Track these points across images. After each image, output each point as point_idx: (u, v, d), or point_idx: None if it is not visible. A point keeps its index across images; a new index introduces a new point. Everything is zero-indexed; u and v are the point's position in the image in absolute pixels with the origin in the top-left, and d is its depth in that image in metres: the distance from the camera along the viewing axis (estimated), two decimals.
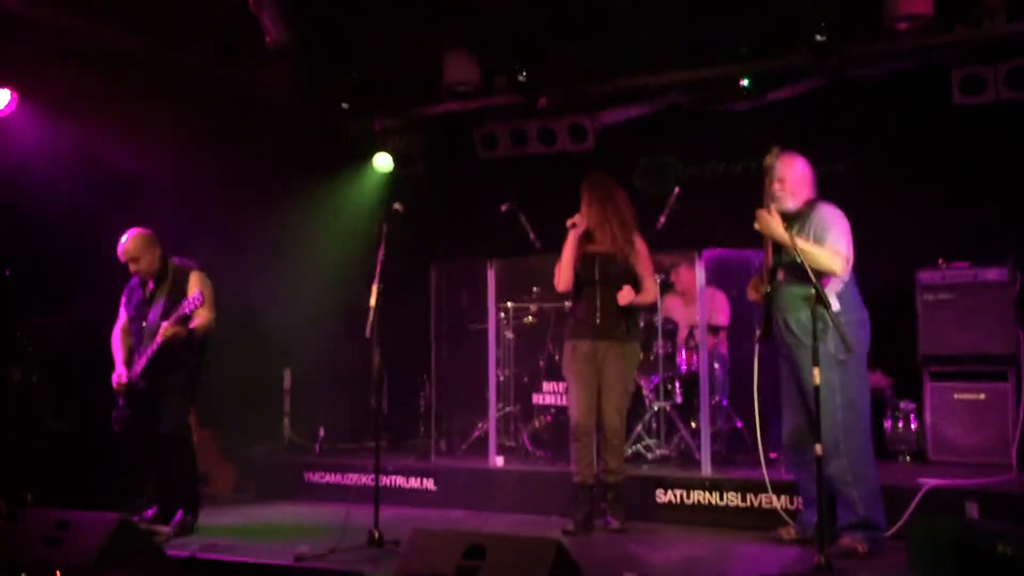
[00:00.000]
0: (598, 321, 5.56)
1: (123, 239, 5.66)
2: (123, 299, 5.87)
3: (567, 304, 6.17)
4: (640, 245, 5.67)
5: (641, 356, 5.97)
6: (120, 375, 5.64)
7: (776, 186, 4.94)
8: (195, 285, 5.66)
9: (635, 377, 5.87)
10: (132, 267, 5.69)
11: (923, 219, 7.30)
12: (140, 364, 5.57)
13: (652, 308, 6.73)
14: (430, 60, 7.46)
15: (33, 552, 4.37)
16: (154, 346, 5.47)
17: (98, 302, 6.46)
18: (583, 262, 5.61)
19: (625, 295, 5.49)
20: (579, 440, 5.52)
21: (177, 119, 7.02)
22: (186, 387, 5.70)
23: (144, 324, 5.66)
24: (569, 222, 5.60)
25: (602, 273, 5.56)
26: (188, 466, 5.75)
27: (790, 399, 5.04)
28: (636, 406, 6.80)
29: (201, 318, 5.52)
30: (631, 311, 5.66)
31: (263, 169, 7.83)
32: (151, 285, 5.73)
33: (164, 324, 5.42)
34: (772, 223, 4.80)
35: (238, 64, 7.13)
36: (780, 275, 4.95)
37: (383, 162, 8.80)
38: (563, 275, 5.63)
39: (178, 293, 5.63)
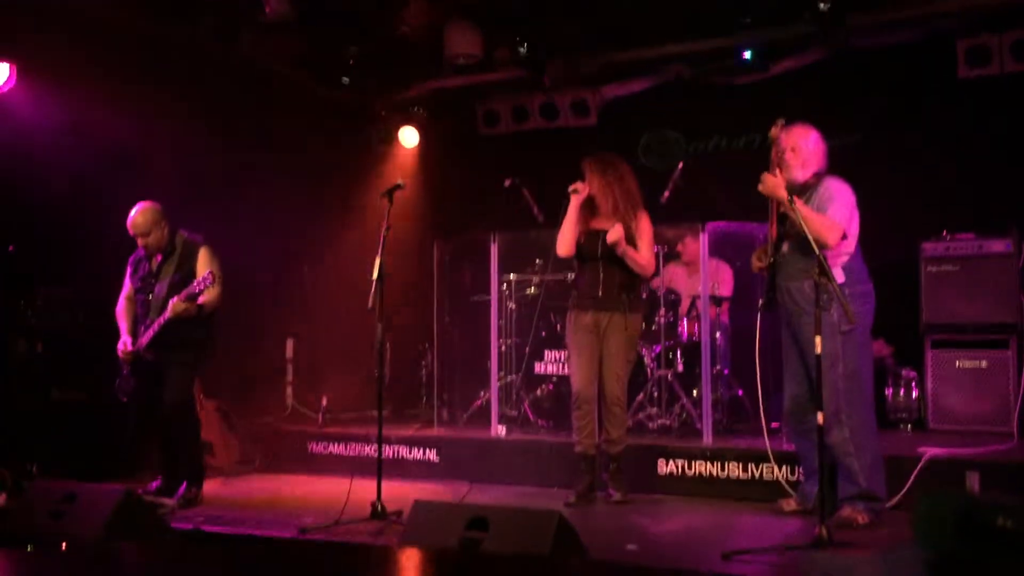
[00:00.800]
0: (600, 294, 5.57)
1: (132, 213, 5.63)
2: (128, 269, 5.85)
3: (570, 276, 6.17)
4: (643, 218, 5.64)
5: (643, 327, 5.98)
6: (125, 343, 5.65)
7: (788, 155, 4.91)
8: (204, 262, 5.65)
9: (637, 347, 5.85)
10: (141, 241, 5.67)
11: (928, 191, 7.29)
12: (147, 336, 5.58)
13: (653, 277, 6.74)
14: (432, 34, 7.41)
15: (39, 524, 4.40)
16: (161, 320, 5.48)
17: (101, 274, 6.47)
18: (587, 236, 5.60)
19: (616, 231, 5.42)
20: (579, 409, 5.55)
21: (178, 92, 6.99)
22: (191, 362, 5.71)
23: (150, 297, 5.65)
24: (571, 187, 5.59)
25: (605, 248, 5.52)
26: (192, 438, 5.78)
27: (791, 368, 5.06)
28: (638, 375, 6.83)
29: (209, 295, 5.52)
30: (633, 284, 5.64)
31: (264, 142, 7.80)
32: (158, 258, 5.72)
33: (173, 300, 5.43)
34: (775, 183, 4.77)
35: (238, 37, 7.09)
36: (785, 245, 4.95)
37: (409, 137, 8.78)
38: (565, 240, 5.62)
39: (186, 268, 5.63)
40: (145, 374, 5.66)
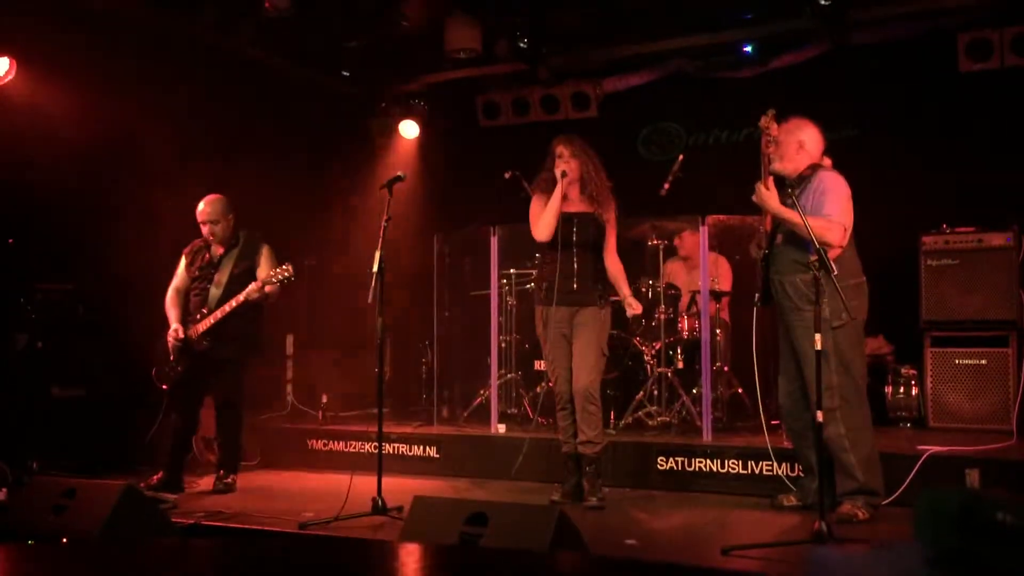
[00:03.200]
0: (575, 286, 5.33)
1: (201, 204, 5.83)
2: (184, 260, 6.01)
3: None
4: (614, 206, 5.45)
5: (611, 317, 5.59)
6: (177, 330, 5.78)
7: (771, 148, 4.91)
8: (267, 257, 5.89)
9: (608, 340, 5.55)
10: (206, 229, 5.85)
11: (928, 185, 7.28)
12: (204, 324, 5.73)
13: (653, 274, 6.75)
14: (432, 27, 7.40)
15: (40, 520, 4.40)
16: (227, 307, 5.65)
17: (101, 270, 6.47)
18: (560, 221, 5.33)
19: (636, 308, 5.40)
20: (564, 409, 5.39)
21: (178, 85, 6.99)
22: (245, 360, 5.95)
23: (210, 285, 5.81)
24: (558, 170, 5.33)
25: (580, 235, 5.34)
26: (236, 430, 6.03)
27: (786, 364, 5.05)
28: (637, 372, 6.82)
29: (273, 287, 5.68)
30: (604, 275, 5.45)
31: (263, 136, 7.79)
32: (219, 249, 5.88)
33: (252, 284, 5.62)
34: (769, 198, 4.78)
35: (238, 30, 7.08)
36: (778, 237, 4.94)
37: (409, 129, 8.78)
38: (548, 224, 5.31)
39: (248, 261, 5.85)
40: (195, 365, 5.79)
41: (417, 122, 8.90)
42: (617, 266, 5.51)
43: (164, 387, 5.89)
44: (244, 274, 5.78)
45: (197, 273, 5.92)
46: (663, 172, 6.89)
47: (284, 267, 5.64)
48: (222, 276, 5.81)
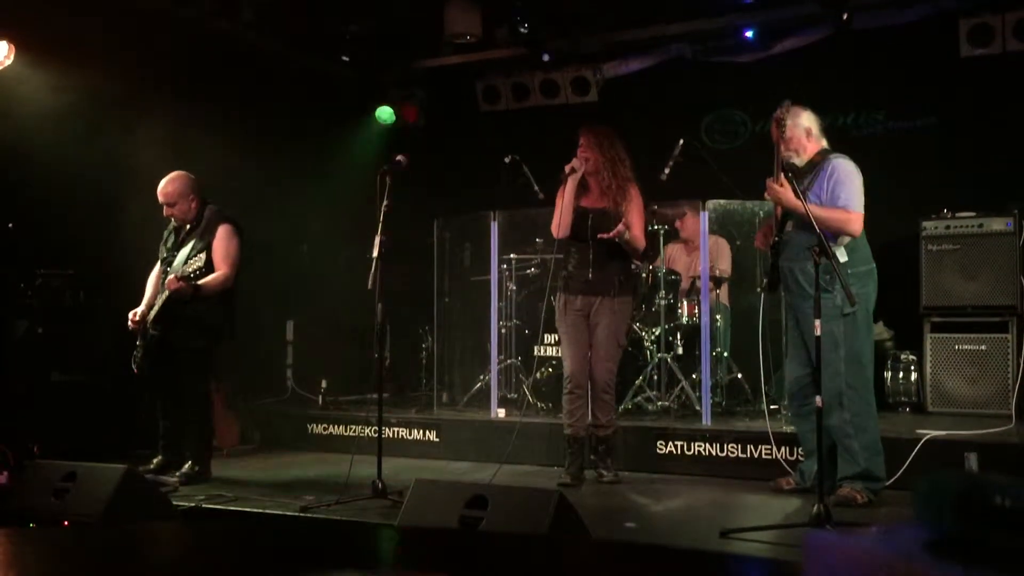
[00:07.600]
0: (591, 276, 5.44)
1: (163, 181, 5.61)
2: (163, 240, 5.83)
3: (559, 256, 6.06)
4: (635, 195, 5.50)
5: (633, 309, 5.80)
6: (134, 313, 5.63)
7: (783, 146, 4.90)
8: (221, 238, 5.58)
9: (627, 330, 5.72)
10: (167, 211, 5.64)
11: (928, 170, 7.28)
12: (155, 310, 5.55)
13: (652, 258, 6.73)
14: (431, 12, 7.38)
15: (41, 503, 4.41)
16: (164, 294, 5.47)
17: (101, 255, 6.47)
18: (577, 216, 5.46)
19: (619, 230, 5.24)
20: (572, 393, 5.47)
21: (178, 70, 6.97)
22: (203, 348, 5.65)
23: (169, 269, 5.59)
24: (567, 167, 5.45)
25: (595, 229, 5.41)
26: (201, 418, 5.75)
27: (794, 350, 5.06)
28: (637, 358, 6.83)
29: (212, 277, 5.45)
30: (623, 266, 5.52)
31: (263, 121, 7.77)
32: (186, 229, 5.68)
33: (170, 278, 5.38)
34: (783, 193, 4.76)
35: (239, 15, 7.06)
36: (789, 226, 4.94)
37: (385, 114, 8.75)
38: (563, 222, 5.44)
39: (204, 242, 5.57)
40: (154, 351, 5.61)
41: (399, 107, 8.86)
42: (639, 239, 5.48)
43: (136, 372, 5.70)
44: (199, 255, 5.47)
45: (165, 254, 5.73)
46: (663, 157, 6.87)
47: (197, 256, 5.39)
48: (179, 258, 5.55)
